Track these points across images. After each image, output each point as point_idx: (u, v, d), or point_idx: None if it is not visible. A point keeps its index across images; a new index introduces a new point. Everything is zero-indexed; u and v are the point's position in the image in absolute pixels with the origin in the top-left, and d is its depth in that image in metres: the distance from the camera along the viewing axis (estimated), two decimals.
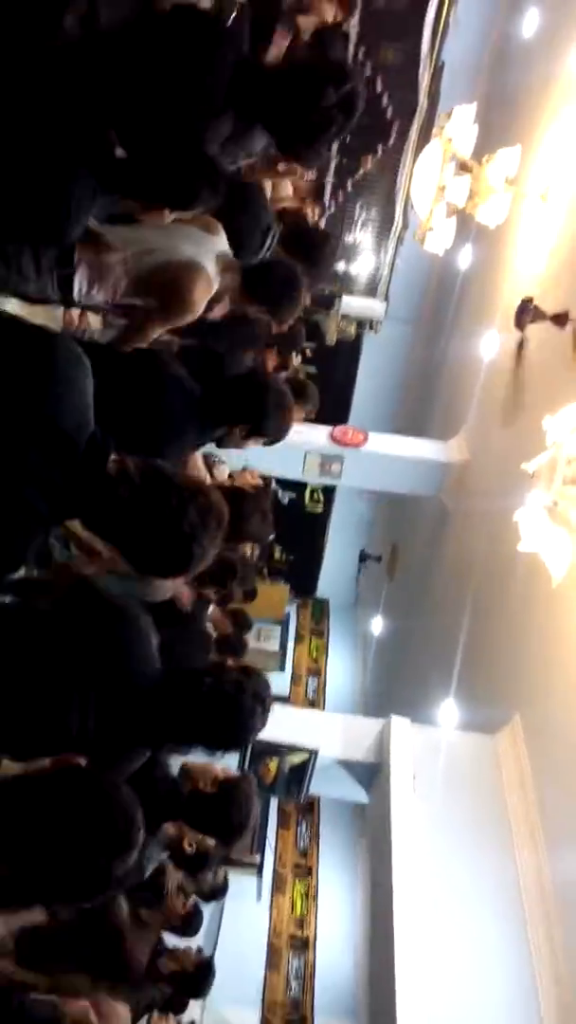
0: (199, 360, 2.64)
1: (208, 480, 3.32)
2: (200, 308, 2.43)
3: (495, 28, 7.77)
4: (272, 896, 8.09)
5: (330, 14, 4.87)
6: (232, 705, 1.83)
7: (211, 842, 2.64)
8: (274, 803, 8.45)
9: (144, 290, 2.39)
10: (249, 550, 4.35)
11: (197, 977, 3.41)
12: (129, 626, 1.81)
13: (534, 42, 6.54)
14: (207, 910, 5.94)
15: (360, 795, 4.81)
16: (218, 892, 4.72)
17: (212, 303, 2.54)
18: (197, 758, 2.28)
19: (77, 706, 1.69)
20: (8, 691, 1.65)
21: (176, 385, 2.35)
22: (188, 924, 3.44)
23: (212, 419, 2.44)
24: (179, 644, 2.31)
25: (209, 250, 2.46)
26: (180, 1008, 3.62)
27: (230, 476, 4.27)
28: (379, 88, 7.94)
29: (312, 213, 4.99)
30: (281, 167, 3.58)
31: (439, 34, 7.63)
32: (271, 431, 2.57)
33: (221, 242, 2.55)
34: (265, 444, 2.66)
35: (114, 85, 1.85)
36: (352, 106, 2.13)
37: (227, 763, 2.48)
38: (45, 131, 1.77)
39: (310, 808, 8.78)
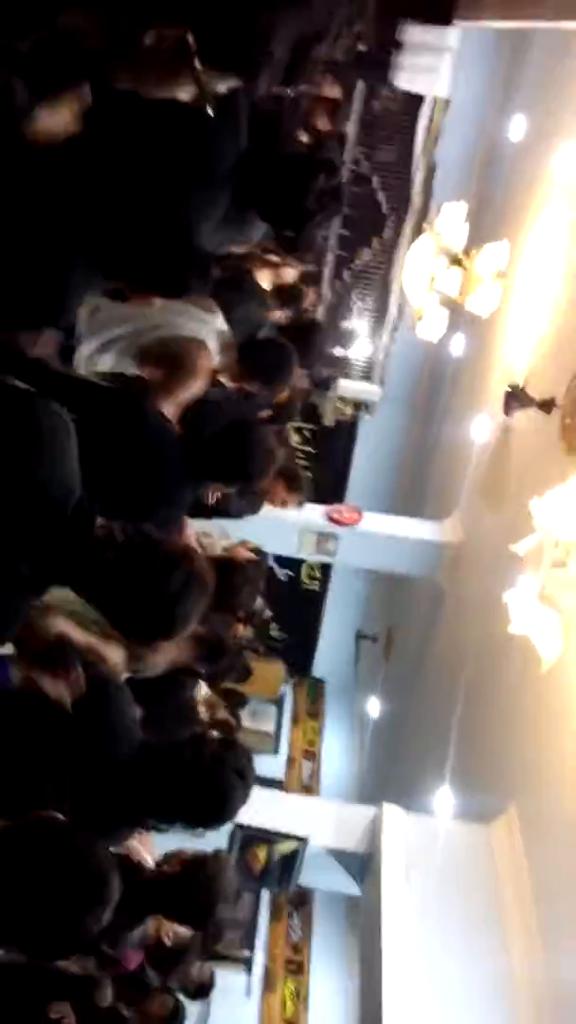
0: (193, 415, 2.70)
1: (198, 549, 3.33)
2: (203, 382, 2.51)
3: (485, 131, 8.18)
4: (262, 994, 7.73)
5: (322, 123, 5.15)
6: (211, 779, 1.80)
7: (189, 935, 2.55)
8: (266, 895, 8.16)
9: (150, 363, 2.48)
10: (242, 627, 4.33)
11: None
12: (106, 701, 1.80)
13: (521, 145, 6.88)
14: (193, 1007, 5.68)
15: (352, 887, 4.66)
16: (204, 989, 4.52)
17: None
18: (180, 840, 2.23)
19: (52, 794, 1.67)
20: None
21: (166, 445, 2.37)
22: None
23: (199, 470, 2.45)
24: (165, 719, 2.28)
25: (210, 329, 2.58)
26: None
27: (224, 549, 4.30)
28: (375, 185, 8.34)
29: (309, 298, 5.16)
30: (274, 258, 3.75)
31: (432, 137, 8.05)
32: (254, 472, 2.57)
33: (219, 322, 2.67)
34: (240, 493, 2.70)
35: (108, 173, 1.93)
36: (338, 196, 2.27)
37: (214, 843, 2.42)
38: (43, 217, 1.83)
39: (303, 900, 8.47)
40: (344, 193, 2.36)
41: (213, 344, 2.61)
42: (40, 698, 1.73)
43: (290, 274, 4.20)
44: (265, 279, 3.94)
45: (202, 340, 2.55)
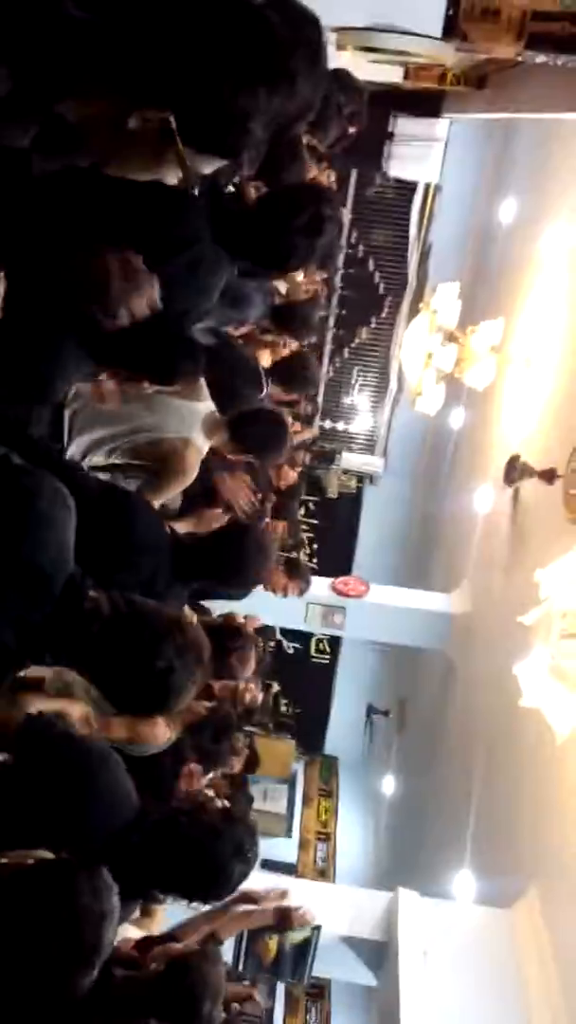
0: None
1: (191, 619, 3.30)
2: (192, 476, 2.56)
3: (477, 214, 8.49)
4: None
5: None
6: (204, 851, 1.75)
7: None
8: (280, 987, 7.82)
9: (139, 460, 2.53)
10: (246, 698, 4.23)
11: None
12: (98, 771, 1.75)
13: (512, 226, 7.12)
14: None
15: (367, 976, 4.47)
16: None
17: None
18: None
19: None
20: None
21: (153, 543, 2.37)
22: None
23: (192, 571, 2.45)
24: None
25: (194, 421, 2.61)
26: None
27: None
28: (371, 267, 8.64)
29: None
30: (269, 338, 3.84)
31: (425, 219, 8.36)
32: (248, 576, 2.57)
33: (205, 406, 2.70)
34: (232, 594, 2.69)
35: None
36: (317, 226, 2.18)
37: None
38: (35, 301, 1.87)
39: (320, 992, 8.11)
40: (329, 222, 2.23)
41: (200, 438, 2.63)
42: (29, 769, 1.70)
43: (289, 349, 4.31)
44: (264, 358, 4.05)
45: (188, 441, 2.57)
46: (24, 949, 1.38)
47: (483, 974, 3.98)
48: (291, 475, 5.00)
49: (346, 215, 8.17)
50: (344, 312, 8.68)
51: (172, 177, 1.36)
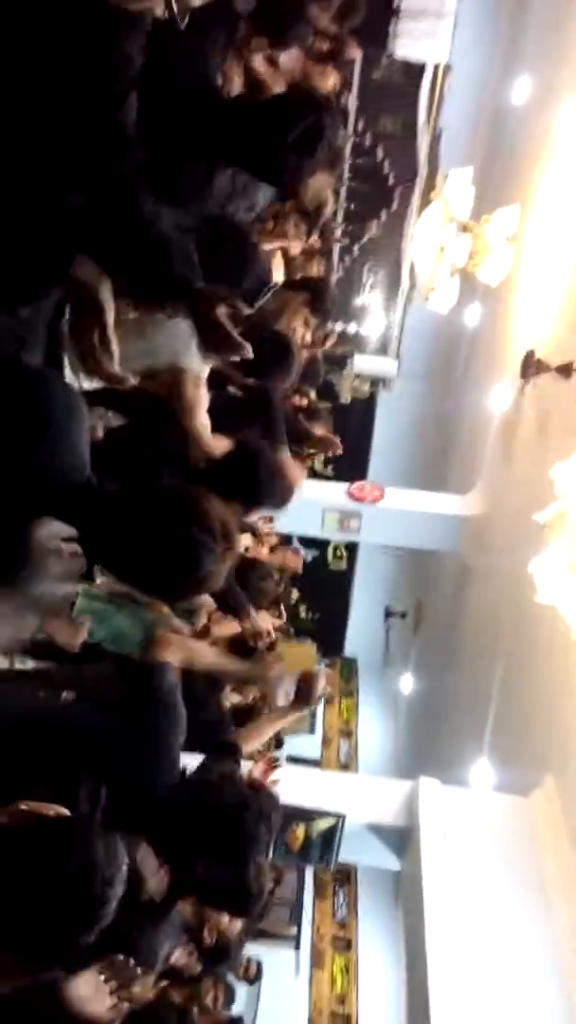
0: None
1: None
2: (202, 404, 2.45)
3: (489, 95, 8.03)
4: (311, 971, 7.82)
5: (328, 84, 5.05)
6: (233, 822, 1.81)
7: (233, 929, 2.55)
8: (309, 872, 8.23)
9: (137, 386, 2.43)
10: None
11: None
12: (168, 718, 1.80)
13: (526, 106, 6.74)
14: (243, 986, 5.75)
15: (392, 861, 4.68)
16: (252, 981, 4.57)
17: None
18: None
19: (88, 796, 1.67)
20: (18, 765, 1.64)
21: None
22: None
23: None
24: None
25: (185, 341, 2.44)
26: None
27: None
28: (380, 156, 8.23)
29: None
30: (271, 225, 3.65)
31: (435, 102, 7.91)
32: (268, 500, 2.53)
33: None
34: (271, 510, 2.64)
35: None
36: (310, 141, 2.06)
37: None
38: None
39: (347, 877, 8.53)
40: (328, 133, 2.10)
41: (196, 362, 2.45)
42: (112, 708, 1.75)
43: (296, 247, 4.13)
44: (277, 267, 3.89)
45: (182, 369, 2.41)
46: (36, 903, 1.37)
47: (502, 857, 4.16)
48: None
49: (352, 102, 7.75)
50: (352, 206, 8.32)
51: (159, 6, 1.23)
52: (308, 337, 3.91)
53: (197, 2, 1.24)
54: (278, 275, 3.71)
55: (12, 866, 1.36)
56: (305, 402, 4.86)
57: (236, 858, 1.88)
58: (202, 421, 2.50)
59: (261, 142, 2.01)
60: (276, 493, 2.56)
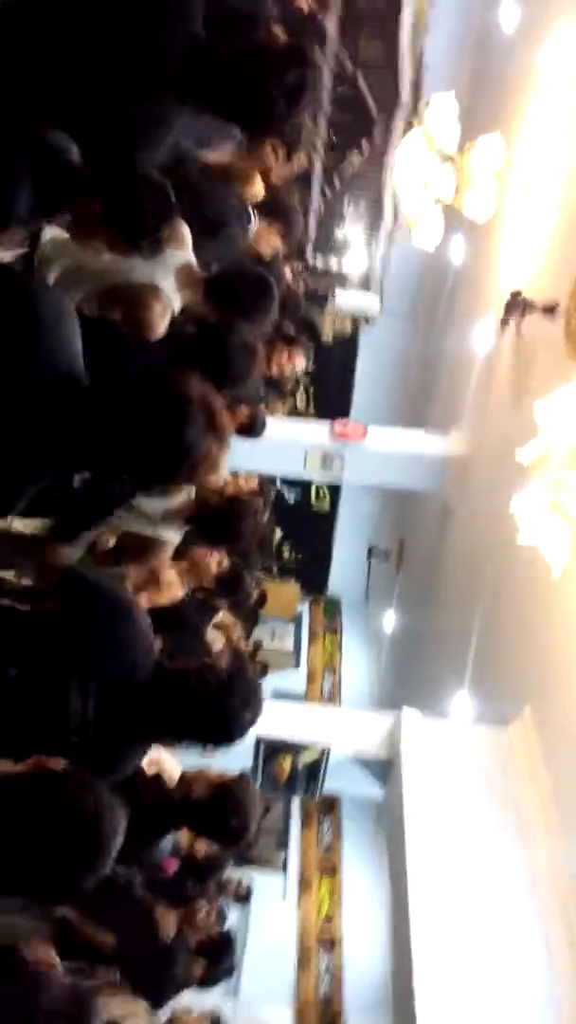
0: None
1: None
2: (159, 329, 2.42)
3: (474, 21, 7.76)
4: (299, 896, 8.14)
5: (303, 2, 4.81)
6: (215, 705, 1.86)
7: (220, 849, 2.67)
8: (296, 803, 8.50)
9: (104, 306, 2.39)
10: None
11: (221, 944, 3.47)
12: (125, 613, 1.84)
13: (513, 33, 6.53)
14: (234, 911, 5.98)
15: (376, 790, 4.85)
16: (242, 899, 4.77)
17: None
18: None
19: (78, 692, 1.72)
20: (8, 687, 1.69)
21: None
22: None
23: None
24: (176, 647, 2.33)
25: (167, 267, 2.42)
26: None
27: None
28: (362, 85, 7.98)
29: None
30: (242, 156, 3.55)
31: (418, 30, 7.65)
32: (238, 376, 2.52)
33: (182, 255, 2.50)
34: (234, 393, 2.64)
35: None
36: (299, 96, 2.02)
37: (228, 765, 2.51)
38: None
39: (331, 806, 8.82)
40: (314, 86, 2.12)
41: (169, 285, 2.43)
42: (64, 615, 1.78)
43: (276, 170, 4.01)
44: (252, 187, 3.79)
45: (153, 287, 2.38)
46: (40, 849, 1.43)
47: (480, 785, 4.31)
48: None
49: (332, 27, 7.47)
50: (334, 137, 8.09)
51: None
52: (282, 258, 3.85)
53: None
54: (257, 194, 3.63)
55: (26, 812, 1.43)
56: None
57: (222, 742, 1.94)
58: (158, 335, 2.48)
59: (247, 90, 1.97)
60: (245, 367, 2.55)
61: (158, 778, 2.23)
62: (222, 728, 1.89)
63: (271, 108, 1.98)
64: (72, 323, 1.59)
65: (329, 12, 7.20)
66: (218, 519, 2.96)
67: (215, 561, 3.33)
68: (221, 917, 4.02)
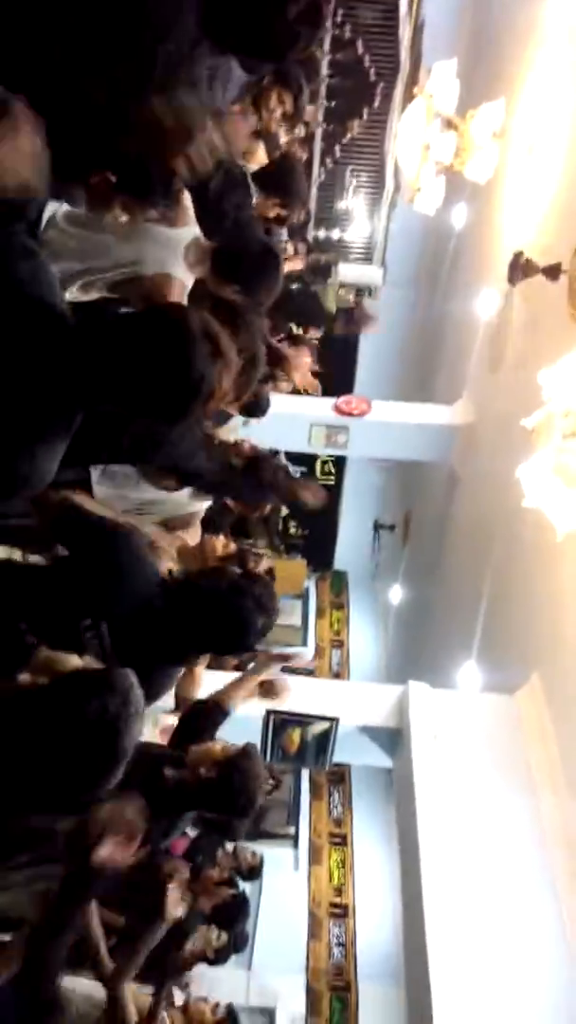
0: None
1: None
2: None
3: None
4: (309, 867, 8.21)
5: None
6: (226, 606, 1.85)
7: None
8: (305, 774, 8.55)
9: (122, 294, 2.39)
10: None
11: (234, 907, 3.50)
12: (121, 539, 1.84)
13: None
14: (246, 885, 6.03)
15: (385, 760, 4.85)
16: (254, 872, 4.82)
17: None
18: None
19: (92, 635, 1.72)
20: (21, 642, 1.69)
21: None
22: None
23: None
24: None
25: (176, 251, 2.39)
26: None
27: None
28: (360, 50, 7.85)
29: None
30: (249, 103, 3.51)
31: None
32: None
33: (188, 232, 2.48)
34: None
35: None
36: (317, 15, 2.06)
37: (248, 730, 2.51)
38: None
39: (341, 777, 8.88)
40: (326, 6, 2.12)
41: (181, 270, 2.42)
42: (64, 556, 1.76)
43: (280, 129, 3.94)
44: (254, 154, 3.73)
45: (168, 275, 2.37)
46: (59, 754, 1.47)
47: (489, 752, 4.31)
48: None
49: None
50: (333, 104, 7.96)
51: None
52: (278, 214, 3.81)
53: None
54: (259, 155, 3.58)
55: (51, 717, 1.48)
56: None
57: (239, 647, 1.92)
58: None
59: (266, 18, 1.95)
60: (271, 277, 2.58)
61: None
62: (237, 629, 1.88)
63: (289, 30, 1.96)
64: (53, 283, 1.56)
65: None
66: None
67: (220, 544, 3.33)
68: (232, 883, 4.06)
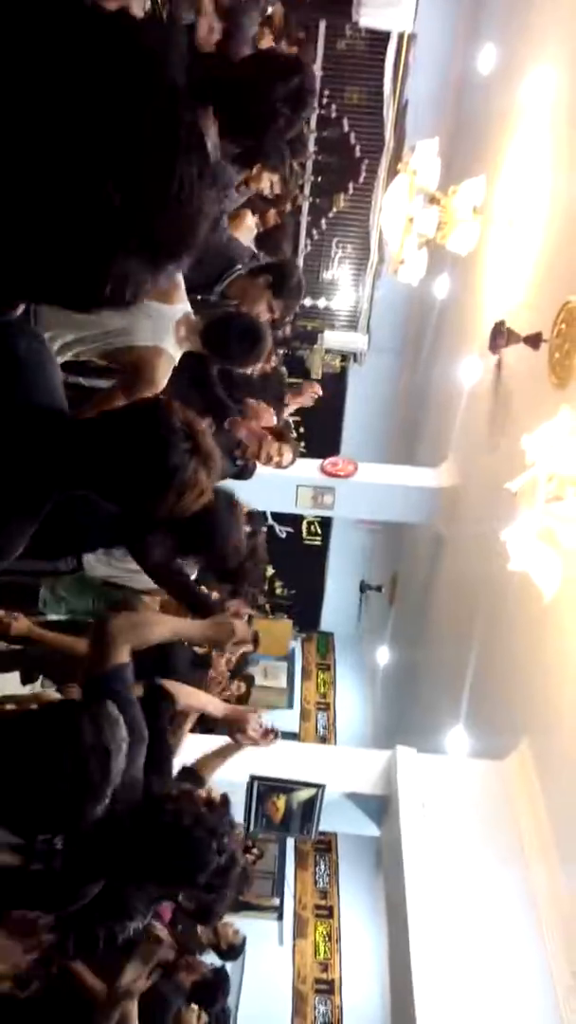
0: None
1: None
2: (163, 383, 2.48)
3: (454, 64, 7.98)
4: (294, 940, 7.95)
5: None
6: (185, 839, 1.85)
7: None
8: (290, 843, 8.34)
9: (111, 361, 2.45)
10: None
11: (215, 983, 3.37)
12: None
13: (491, 75, 6.71)
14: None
15: (372, 829, 4.76)
16: (235, 951, 4.66)
17: None
18: None
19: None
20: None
21: None
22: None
23: None
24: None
25: (167, 325, 2.48)
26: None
27: None
28: (346, 128, 8.18)
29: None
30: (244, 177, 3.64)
31: (400, 73, 7.86)
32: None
33: (181, 309, 2.57)
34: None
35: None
36: (302, 99, 2.13)
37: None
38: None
39: (328, 846, 8.67)
40: (310, 93, 2.18)
41: (171, 343, 2.51)
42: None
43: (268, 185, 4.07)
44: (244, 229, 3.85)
45: (159, 349, 2.46)
46: (36, 787, 1.49)
47: (479, 820, 4.24)
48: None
49: (316, 72, 7.66)
50: (319, 179, 8.27)
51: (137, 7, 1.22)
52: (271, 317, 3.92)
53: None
54: (248, 235, 3.69)
55: (30, 748, 1.50)
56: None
57: (187, 876, 1.92)
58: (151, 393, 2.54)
59: (252, 91, 2.03)
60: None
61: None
62: (187, 861, 1.88)
63: (276, 114, 2.02)
64: (51, 359, 1.59)
65: (314, 57, 7.39)
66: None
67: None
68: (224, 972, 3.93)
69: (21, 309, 2.09)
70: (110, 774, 1.52)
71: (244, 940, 5.21)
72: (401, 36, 7.67)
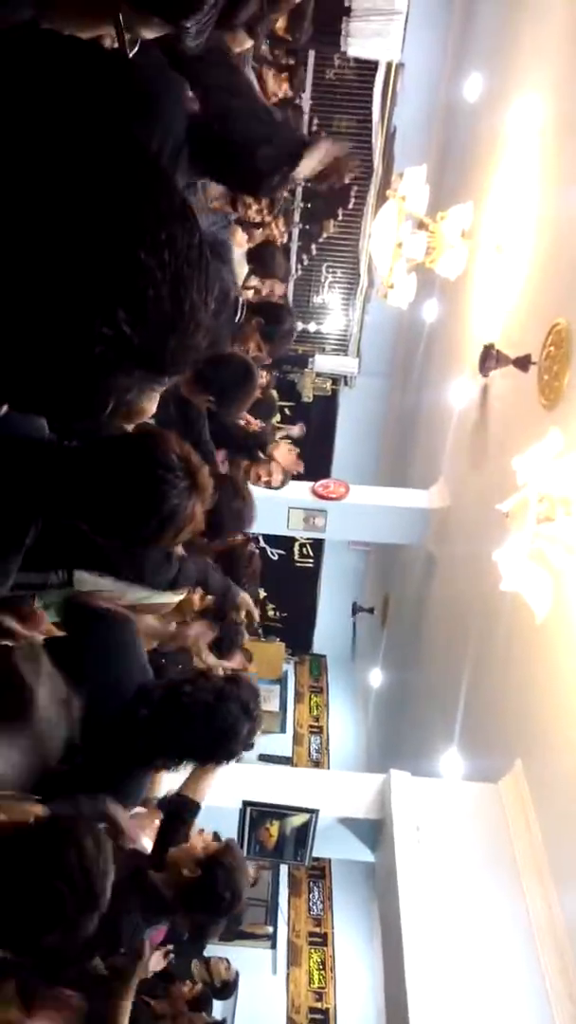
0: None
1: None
2: (151, 411, 2.48)
3: (442, 93, 8.13)
4: (288, 968, 7.84)
5: (280, 91, 5.12)
6: (213, 714, 1.81)
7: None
8: (284, 869, 8.25)
9: None
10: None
11: None
12: (117, 633, 1.81)
13: (478, 103, 6.83)
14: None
15: (366, 854, 4.71)
16: (228, 988, 4.59)
17: None
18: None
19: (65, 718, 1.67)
20: None
21: None
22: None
23: None
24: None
25: None
26: None
27: None
28: None
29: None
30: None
31: (389, 101, 7.99)
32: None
33: None
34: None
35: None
36: (296, 157, 2.17)
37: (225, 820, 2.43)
38: None
39: (322, 872, 8.57)
40: (300, 153, 2.23)
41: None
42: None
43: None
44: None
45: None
46: (31, 904, 1.43)
47: (474, 843, 4.21)
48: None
49: (306, 101, 7.79)
50: (309, 206, 8.37)
51: (108, 39, 1.22)
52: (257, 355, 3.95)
53: (148, 35, 1.20)
54: (238, 251, 3.72)
55: (12, 871, 1.42)
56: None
57: (223, 754, 1.87)
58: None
59: (243, 155, 2.06)
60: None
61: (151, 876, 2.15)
62: (221, 738, 1.83)
63: (269, 170, 2.05)
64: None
65: (303, 89, 7.51)
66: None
67: (198, 596, 3.31)
68: (206, 1001, 3.86)
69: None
70: (106, 890, 1.47)
71: (237, 976, 5.14)
72: (389, 65, 7.80)
